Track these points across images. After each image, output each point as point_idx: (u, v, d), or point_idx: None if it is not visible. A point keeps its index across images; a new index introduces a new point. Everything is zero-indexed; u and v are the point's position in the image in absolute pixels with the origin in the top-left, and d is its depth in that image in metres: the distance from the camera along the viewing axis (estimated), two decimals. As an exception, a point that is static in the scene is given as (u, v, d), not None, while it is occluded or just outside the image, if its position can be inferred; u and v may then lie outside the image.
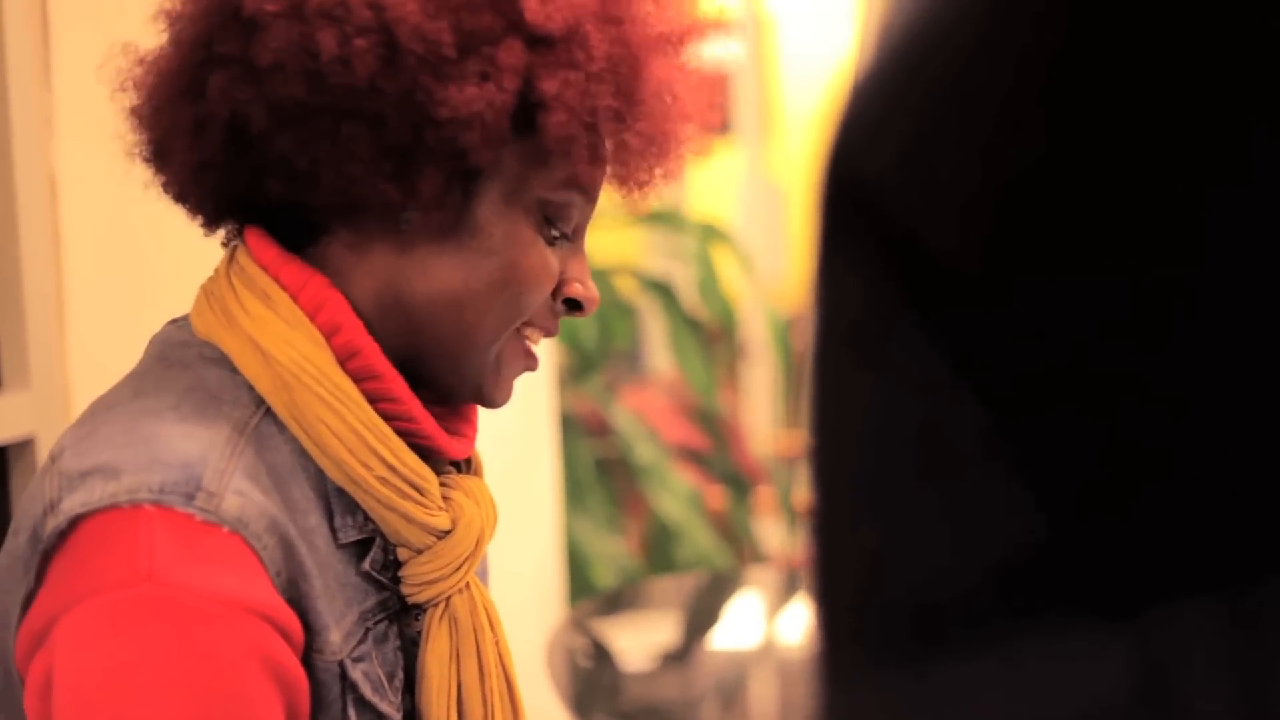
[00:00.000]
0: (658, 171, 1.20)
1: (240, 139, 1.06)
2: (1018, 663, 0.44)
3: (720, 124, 1.25)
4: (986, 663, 0.44)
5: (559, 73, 1.06)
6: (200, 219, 1.15)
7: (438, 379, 1.13)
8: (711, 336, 3.06)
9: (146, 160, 1.14)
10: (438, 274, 1.10)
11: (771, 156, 5.68)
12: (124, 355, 1.15)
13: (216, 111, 1.06)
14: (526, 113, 1.06)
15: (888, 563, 0.46)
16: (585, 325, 2.52)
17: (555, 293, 1.14)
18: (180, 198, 1.14)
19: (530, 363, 1.17)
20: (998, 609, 0.44)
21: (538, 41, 1.06)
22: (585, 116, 1.09)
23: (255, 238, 1.13)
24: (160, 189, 1.15)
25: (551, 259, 1.12)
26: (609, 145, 1.14)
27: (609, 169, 1.16)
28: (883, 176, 0.45)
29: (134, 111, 1.14)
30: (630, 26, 1.10)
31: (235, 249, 1.14)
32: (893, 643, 0.46)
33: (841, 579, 0.48)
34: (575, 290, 1.14)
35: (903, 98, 0.44)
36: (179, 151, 1.09)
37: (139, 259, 1.63)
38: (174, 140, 1.09)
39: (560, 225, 1.13)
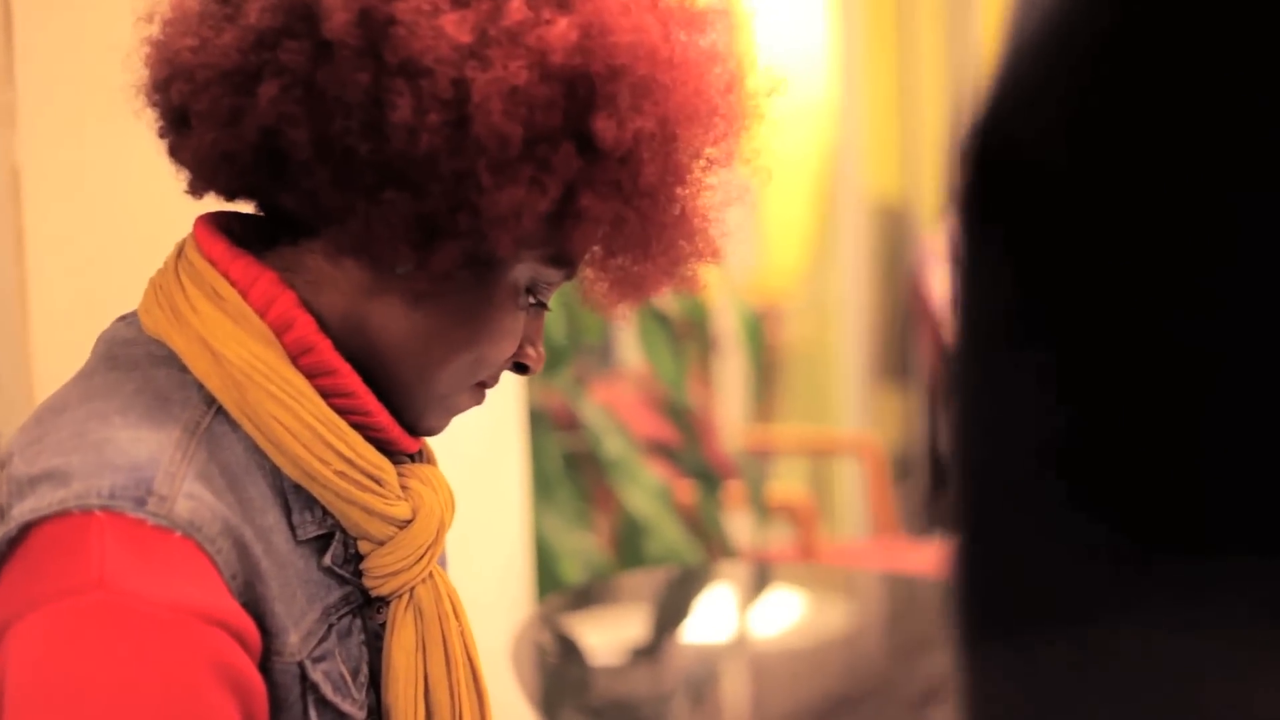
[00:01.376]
0: (642, 292, 1.20)
1: (273, 151, 1.04)
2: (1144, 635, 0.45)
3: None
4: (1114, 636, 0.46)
5: (602, 191, 1.05)
6: (190, 184, 1.13)
7: (384, 403, 1.13)
8: (681, 330, 3.05)
9: (157, 111, 1.11)
10: (411, 324, 1.10)
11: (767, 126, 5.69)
12: (89, 352, 1.14)
13: (259, 117, 1.03)
14: (556, 213, 1.06)
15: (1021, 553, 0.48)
16: (554, 320, 2.52)
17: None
18: (176, 159, 1.12)
19: (477, 403, 1.18)
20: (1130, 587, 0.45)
21: (592, 153, 1.04)
22: (606, 237, 1.09)
23: (204, 232, 1.12)
24: (160, 141, 1.13)
25: (520, 326, 1.13)
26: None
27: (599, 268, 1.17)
28: (1041, 144, 0.45)
29: (158, 59, 1.10)
30: (677, 152, 1.09)
31: (183, 244, 1.13)
32: (1029, 619, 0.48)
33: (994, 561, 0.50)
34: (528, 356, 1.16)
35: (1055, 70, 0.45)
36: (203, 132, 1.06)
37: (103, 254, 1.62)
38: (201, 120, 1.06)
39: (539, 296, 1.14)
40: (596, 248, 1.14)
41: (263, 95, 1.03)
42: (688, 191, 1.14)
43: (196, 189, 1.14)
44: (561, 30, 1.03)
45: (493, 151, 1.02)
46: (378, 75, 1.01)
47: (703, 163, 1.14)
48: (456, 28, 1.01)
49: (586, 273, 1.18)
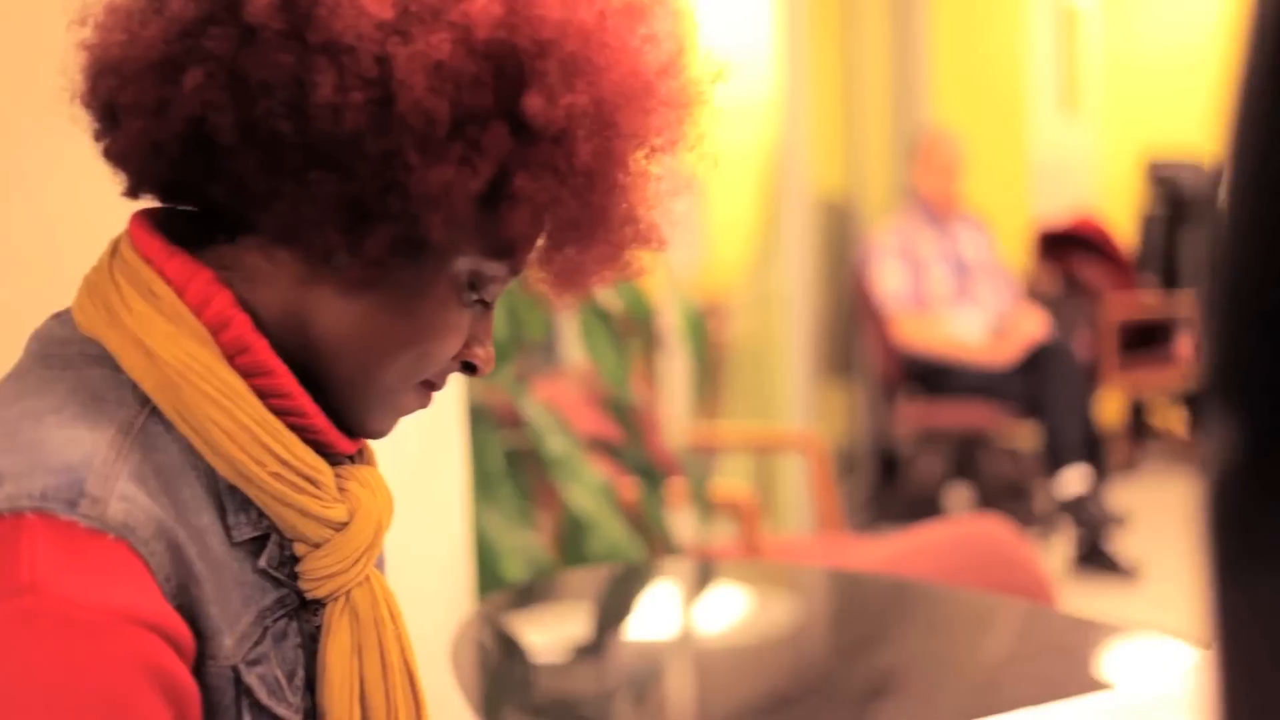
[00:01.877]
0: (586, 282, 1.19)
1: (200, 139, 1.03)
2: None
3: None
4: None
5: (536, 172, 1.05)
6: (126, 185, 1.12)
7: (326, 404, 1.12)
8: (625, 327, 3.05)
9: (89, 109, 1.11)
10: (350, 316, 1.09)
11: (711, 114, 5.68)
12: (21, 350, 1.12)
13: (184, 105, 1.02)
14: (490, 195, 1.05)
15: None
16: (496, 317, 2.50)
17: (458, 351, 1.14)
18: (109, 158, 1.11)
19: (423, 404, 1.17)
20: None
21: (525, 133, 1.03)
22: (545, 219, 1.08)
23: (139, 230, 1.11)
24: (91, 137, 1.12)
25: (465, 323, 1.12)
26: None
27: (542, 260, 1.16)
28: None
29: (88, 54, 1.10)
30: (616, 136, 1.08)
31: (118, 242, 1.12)
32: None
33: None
34: (475, 355, 1.15)
35: None
36: (131, 123, 1.06)
37: (37, 252, 1.60)
38: (129, 112, 1.06)
39: (483, 293, 1.13)
40: (538, 238, 1.13)
41: (187, 83, 1.03)
42: (629, 179, 1.13)
43: (132, 189, 1.13)
44: (484, 4, 1.03)
45: (419, 129, 1.01)
46: (300, 56, 1.01)
47: (645, 151, 1.14)
48: (378, 4, 1.01)
49: (531, 267, 1.17)
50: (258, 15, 1.01)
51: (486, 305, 1.15)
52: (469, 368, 1.17)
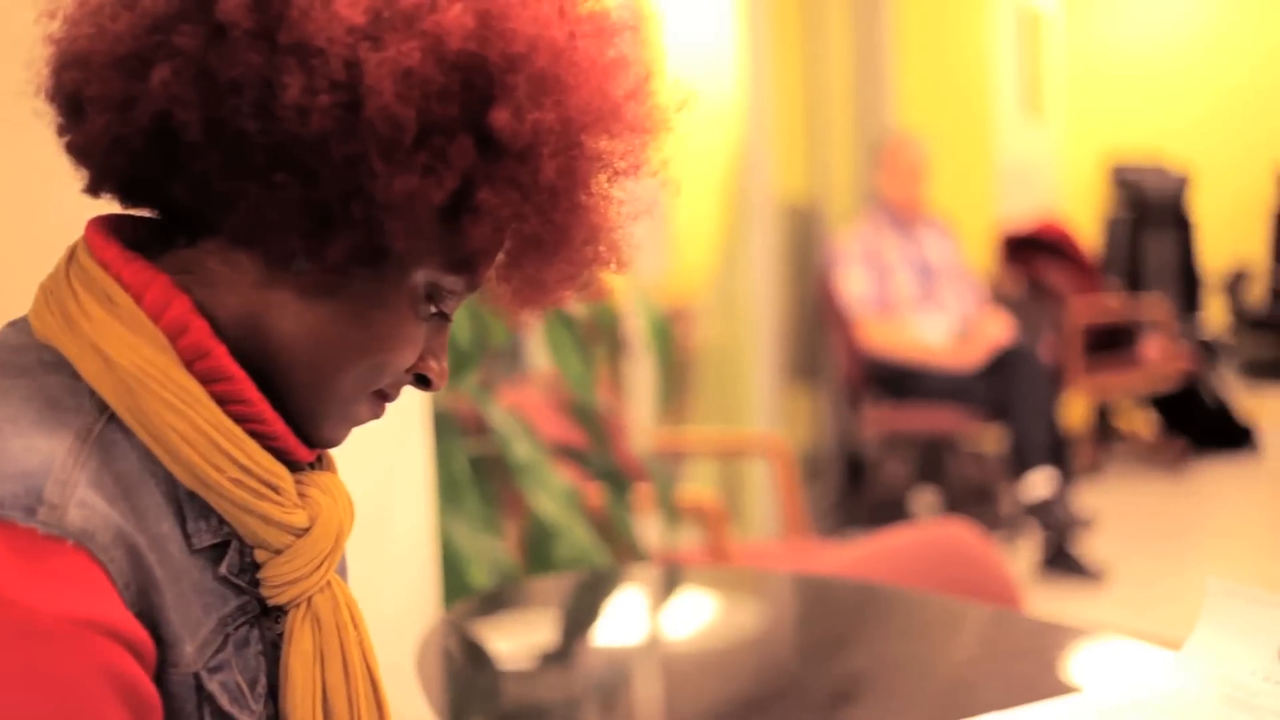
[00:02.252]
0: (545, 299, 1.19)
1: (165, 135, 1.03)
2: None
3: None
4: None
5: (500, 187, 1.04)
6: (87, 181, 1.12)
7: (281, 411, 1.12)
8: (590, 333, 3.04)
9: (53, 102, 1.10)
10: (307, 323, 1.09)
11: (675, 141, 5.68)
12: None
13: (151, 100, 1.02)
14: (452, 208, 1.04)
15: None
16: (460, 325, 2.50)
17: (413, 364, 1.14)
18: (71, 152, 1.10)
19: (376, 415, 1.17)
20: None
21: (490, 147, 1.03)
22: (506, 234, 1.08)
23: (96, 235, 1.10)
24: (57, 140, 1.11)
25: (421, 335, 1.12)
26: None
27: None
28: None
29: (55, 47, 1.09)
30: (580, 156, 1.09)
31: (74, 248, 1.12)
32: None
33: None
34: (429, 368, 1.15)
35: None
36: (96, 118, 1.05)
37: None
38: (95, 106, 1.05)
39: (441, 305, 1.12)
40: (498, 254, 1.13)
41: (155, 78, 1.02)
42: (591, 200, 1.13)
43: (93, 185, 1.12)
44: (457, 14, 1.03)
45: (385, 136, 1.01)
46: (270, 56, 1.01)
47: (608, 173, 1.14)
48: (350, 9, 1.01)
49: (489, 282, 1.17)
50: (229, 14, 1.01)
51: (444, 318, 1.15)
52: (422, 381, 1.16)
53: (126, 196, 1.13)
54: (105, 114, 1.05)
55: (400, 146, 1.01)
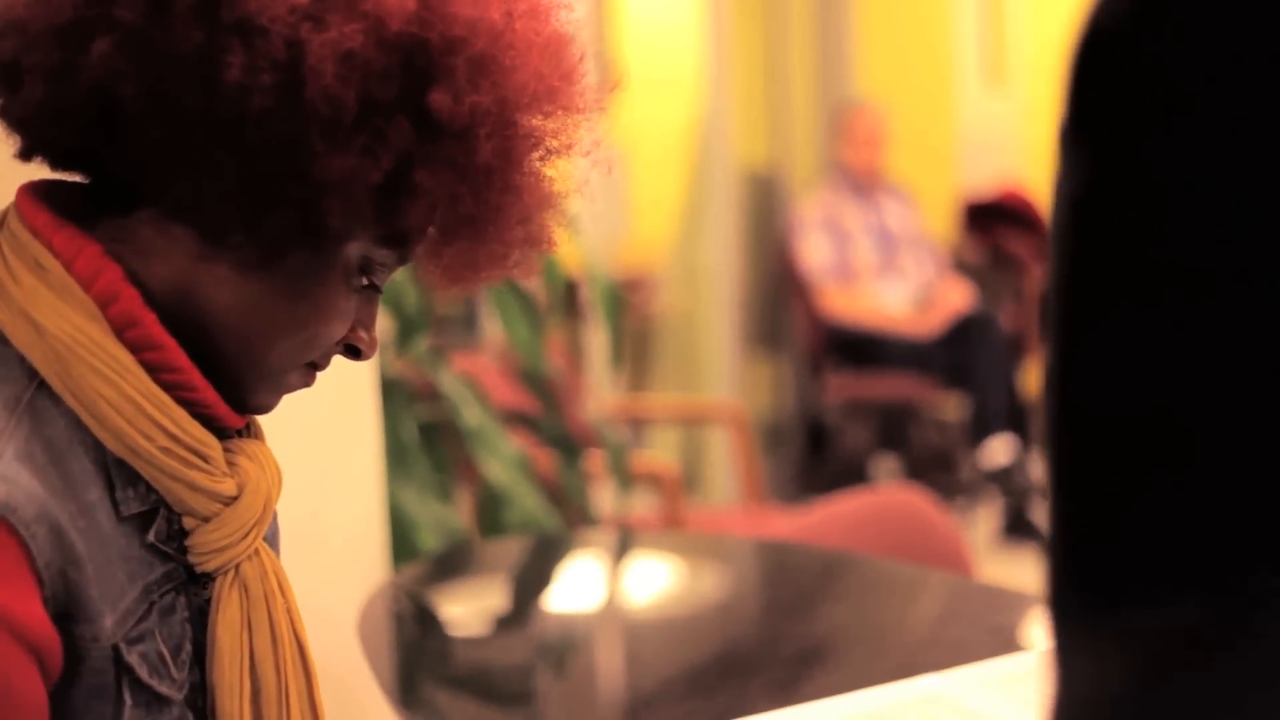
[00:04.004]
0: (475, 277, 1.20)
1: (104, 107, 1.03)
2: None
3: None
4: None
5: (436, 167, 1.05)
6: (18, 146, 1.12)
7: (212, 379, 1.12)
8: (542, 300, 3.05)
9: None
10: (240, 296, 1.09)
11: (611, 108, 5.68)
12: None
13: (90, 72, 1.02)
14: (388, 186, 1.05)
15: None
16: (406, 290, 2.50)
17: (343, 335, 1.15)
18: (6, 119, 1.10)
19: (307, 383, 1.18)
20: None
21: (428, 128, 1.04)
22: (442, 214, 1.08)
23: (27, 202, 1.11)
24: None
25: (352, 307, 1.13)
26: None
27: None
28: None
29: None
30: (515, 136, 1.09)
31: (5, 212, 1.12)
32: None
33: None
34: (360, 339, 1.16)
35: None
36: (33, 87, 1.05)
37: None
38: (31, 75, 1.04)
39: (373, 278, 1.13)
40: (431, 230, 1.14)
41: (95, 50, 1.02)
42: (524, 180, 1.14)
43: (26, 152, 1.12)
44: None
45: (325, 116, 1.02)
46: (212, 33, 1.01)
47: (541, 152, 1.15)
48: None
49: (421, 256, 1.18)
50: None
51: (374, 290, 1.16)
52: (353, 351, 1.17)
53: (59, 164, 1.13)
54: (43, 84, 1.05)
55: (340, 127, 1.02)
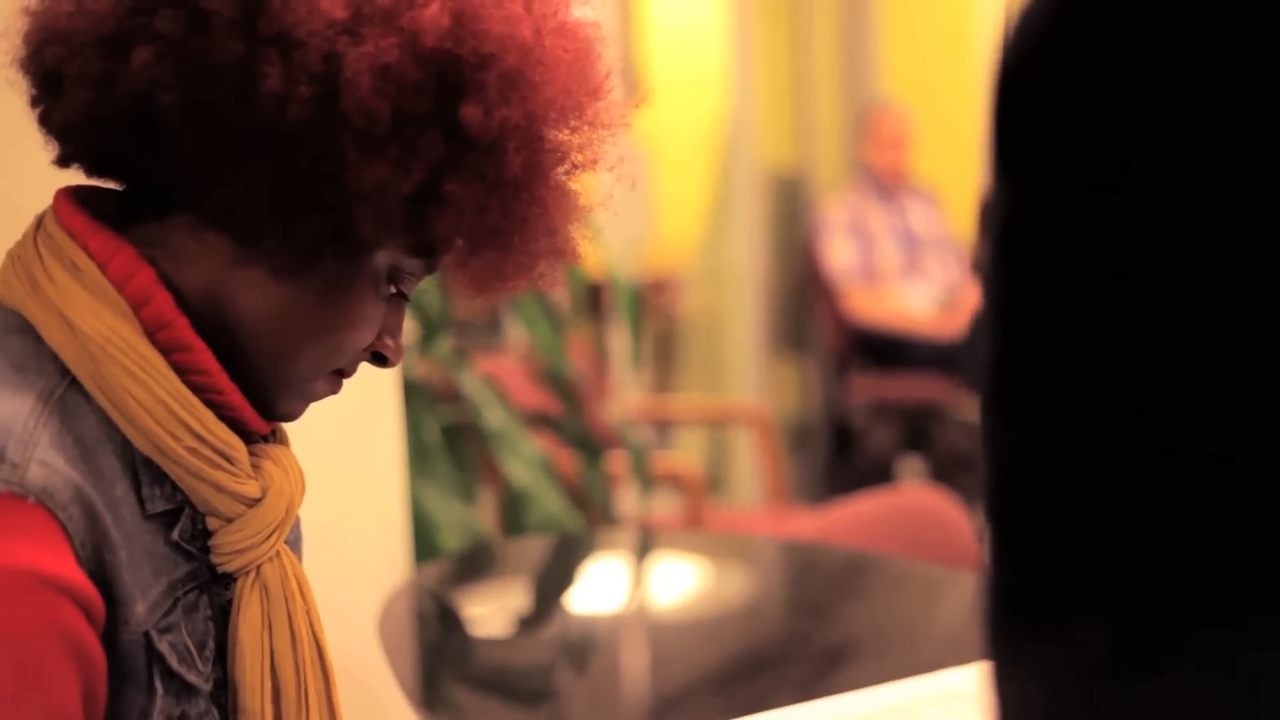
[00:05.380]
0: (501, 287, 1.22)
1: (144, 115, 1.05)
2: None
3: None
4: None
5: (465, 179, 1.07)
6: (60, 153, 1.14)
7: (239, 385, 1.14)
8: (563, 302, 3.06)
9: (28, 75, 1.12)
10: (271, 301, 1.12)
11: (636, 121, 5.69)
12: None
13: (131, 81, 1.04)
14: (418, 196, 1.07)
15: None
16: (427, 294, 2.52)
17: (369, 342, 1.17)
18: (46, 125, 1.12)
19: (333, 391, 1.20)
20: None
21: (458, 141, 1.06)
22: (470, 224, 1.10)
23: (64, 204, 1.13)
24: (29, 102, 1.13)
25: (379, 315, 1.15)
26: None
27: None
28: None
29: (33, 21, 1.11)
30: (542, 150, 1.11)
31: (43, 215, 1.14)
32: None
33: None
34: (386, 346, 1.18)
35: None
36: (74, 95, 1.07)
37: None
38: (74, 83, 1.07)
39: (401, 285, 1.15)
40: (459, 240, 1.16)
41: (136, 60, 1.04)
42: (550, 192, 1.16)
43: (65, 158, 1.15)
44: (434, 13, 1.05)
45: (360, 127, 1.04)
46: (250, 45, 1.03)
47: (566, 166, 1.17)
48: (331, 3, 1.04)
49: (448, 264, 1.19)
50: (211, 1, 1.03)
51: (402, 298, 1.18)
52: (379, 358, 1.20)
53: (96, 170, 1.16)
54: (85, 92, 1.07)
55: (373, 138, 1.04)
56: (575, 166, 1.17)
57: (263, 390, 1.15)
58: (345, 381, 1.20)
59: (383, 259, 1.13)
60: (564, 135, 1.15)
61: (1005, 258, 0.49)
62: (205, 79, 1.04)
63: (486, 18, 1.07)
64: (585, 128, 1.16)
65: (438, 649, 2.08)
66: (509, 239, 1.15)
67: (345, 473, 2.00)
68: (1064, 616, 0.47)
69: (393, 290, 1.16)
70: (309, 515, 1.27)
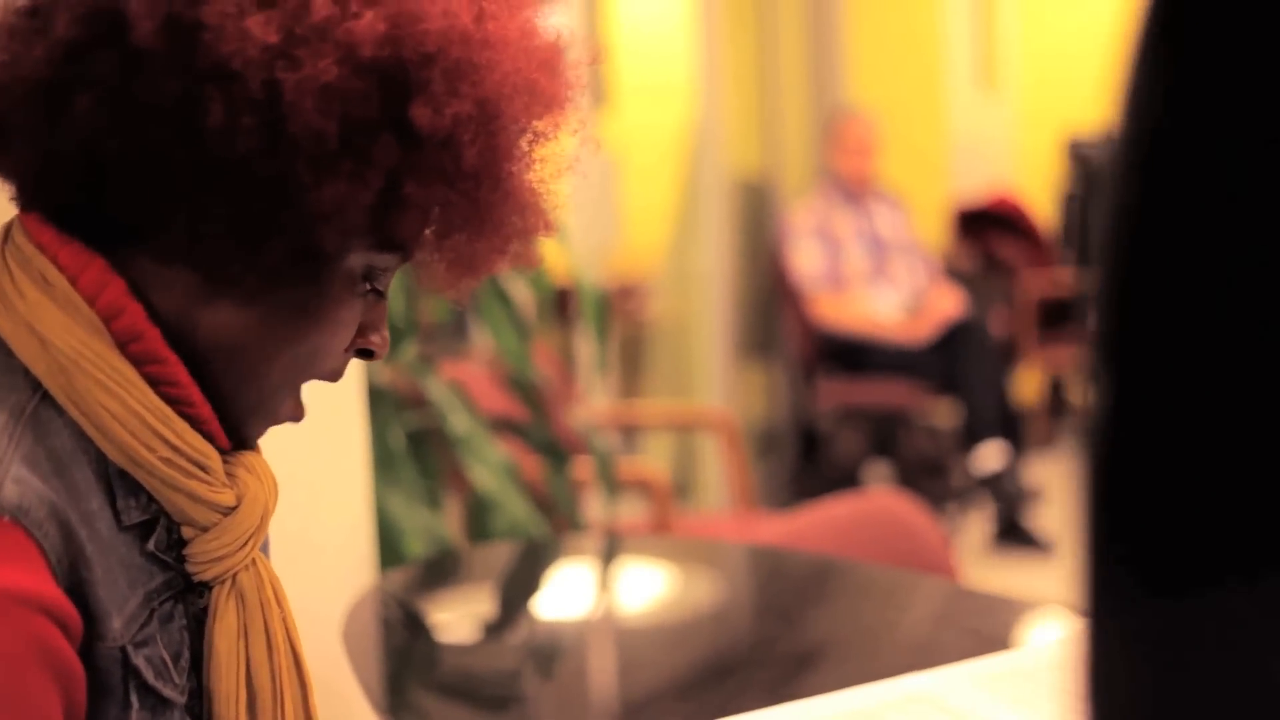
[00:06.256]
0: (477, 270, 1.21)
1: (92, 162, 1.05)
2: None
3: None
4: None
5: (425, 178, 1.07)
6: (17, 199, 1.14)
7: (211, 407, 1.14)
8: (529, 307, 3.06)
9: None
10: (243, 321, 1.11)
11: (603, 127, 5.70)
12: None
13: (75, 129, 1.04)
14: (381, 202, 1.06)
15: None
16: (393, 298, 2.52)
17: (350, 341, 1.16)
18: (2, 172, 1.12)
19: (296, 417, 1.19)
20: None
21: (411, 141, 1.05)
22: (436, 220, 1.10)
23: (32, 218, 1.12)
24: None
25: (355, 315, 1.14)
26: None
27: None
28: None
29: None
30: (500, 130, 1.11)
31: (10, 228, 1.13)
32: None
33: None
34: (371, 341, 1.17)
35: None
36: (21, 147, 1.07)
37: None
38: (19, 135, 1.07)
39: (376, 283, 1.15)
40: (428, 231, 1.15)
41: (77, 108, 1.04)
42: (515, 167, 1.15)
43: (24, 204, 1.14)
44: (369, 22, 1.04)
45: (309, 149, 1.03)
46: (188, 81, 1.02)
47: (529, 137, 1.16)
48: (263, 29, 1.02)
49: (422, 255, 1.19)
50: (143, 40, 1.02)
51: (380, 294, 1.17)
52: (366, 354, 1.19)
53: (57, 215, 1.12)
54: (31, 143, 1.07)
55: (325, 157, 1.04)
56: (538, 136, 1.17)
57: (230, 414, 1.15)
58: (310, 386, 1.20)
59: (355, 260, 1.12)
60: (520, 113, 1.14)
61: (1152, 161, 0.44)
62: (148, 121, 1.03)
63: (424, 16, 1.07)
64: (541, 97, 1.15)
65: (403, 655, 2.07)
66: (479, 226, 1.14)
67: (310, 478, 1.99)
68: (1215, 578, 0.43)
69: (368, 288, 1.15)
70: (274, 521, 1.27)
